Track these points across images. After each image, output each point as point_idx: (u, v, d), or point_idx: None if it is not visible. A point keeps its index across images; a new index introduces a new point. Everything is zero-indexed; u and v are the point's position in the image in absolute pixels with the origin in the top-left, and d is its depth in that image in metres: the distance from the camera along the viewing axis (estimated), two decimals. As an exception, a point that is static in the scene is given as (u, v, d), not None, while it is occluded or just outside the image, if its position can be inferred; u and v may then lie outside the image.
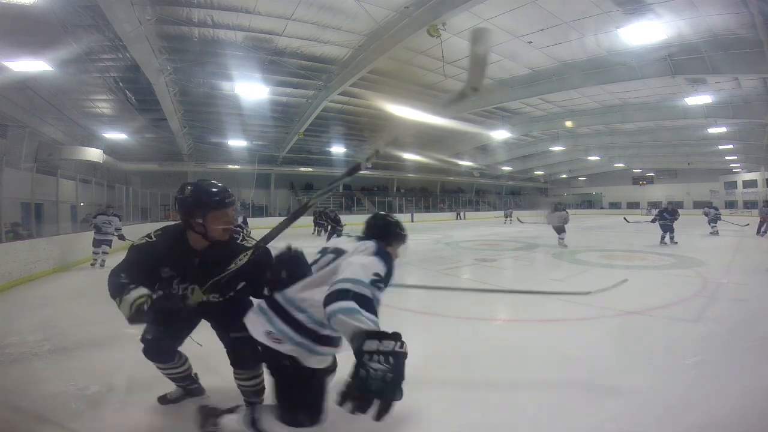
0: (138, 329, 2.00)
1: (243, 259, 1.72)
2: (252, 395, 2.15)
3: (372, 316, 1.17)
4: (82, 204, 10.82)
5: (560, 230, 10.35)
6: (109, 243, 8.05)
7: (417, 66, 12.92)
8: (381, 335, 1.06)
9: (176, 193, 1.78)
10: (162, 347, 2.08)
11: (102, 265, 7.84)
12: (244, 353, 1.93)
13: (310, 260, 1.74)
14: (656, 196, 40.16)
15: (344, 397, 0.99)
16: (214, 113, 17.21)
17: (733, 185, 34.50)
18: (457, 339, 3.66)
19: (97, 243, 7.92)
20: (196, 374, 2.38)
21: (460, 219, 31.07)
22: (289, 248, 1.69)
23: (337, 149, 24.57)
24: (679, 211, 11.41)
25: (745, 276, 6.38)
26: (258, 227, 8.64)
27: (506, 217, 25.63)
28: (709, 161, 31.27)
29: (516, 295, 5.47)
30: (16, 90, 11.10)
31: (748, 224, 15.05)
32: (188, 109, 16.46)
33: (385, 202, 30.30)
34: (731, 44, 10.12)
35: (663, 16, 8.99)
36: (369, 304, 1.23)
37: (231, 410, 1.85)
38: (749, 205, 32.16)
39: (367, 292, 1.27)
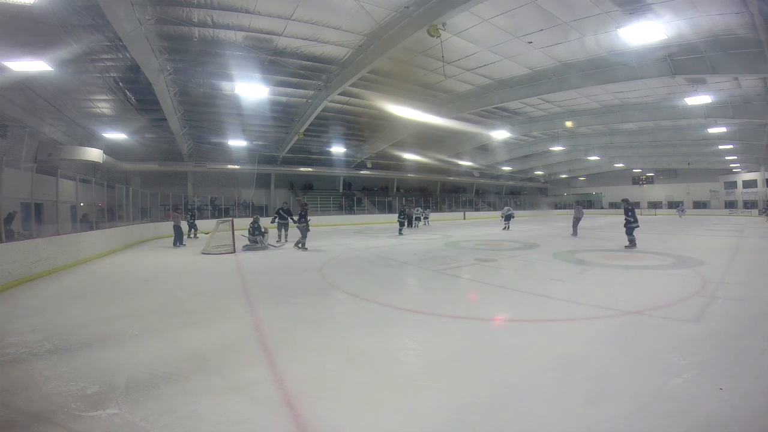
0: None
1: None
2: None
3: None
4: (81, 204, 10.81)
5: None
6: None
7: (417, 66, 12.93)
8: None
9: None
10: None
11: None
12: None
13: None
14: (656, 196, 40.22)
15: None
16: (214, 113, 17.23)
17: (733, 185, 34.53)
18: (457, 339, 3.66)
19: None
20: None
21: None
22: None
23: (337, 149, 24.59)
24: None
25: (744, 276, 6.38)
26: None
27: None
28: (709, 161, 31.29)
29: (516, 295, 5.48)
30: (16, 90, 11.10)
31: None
32: (188, 109, 16.46)
33: (385, 202, 30.28)
34: (731, 44, 10.12)
35: (663, 16, 8.99)
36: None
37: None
38: (749, 205, 32.20)
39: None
